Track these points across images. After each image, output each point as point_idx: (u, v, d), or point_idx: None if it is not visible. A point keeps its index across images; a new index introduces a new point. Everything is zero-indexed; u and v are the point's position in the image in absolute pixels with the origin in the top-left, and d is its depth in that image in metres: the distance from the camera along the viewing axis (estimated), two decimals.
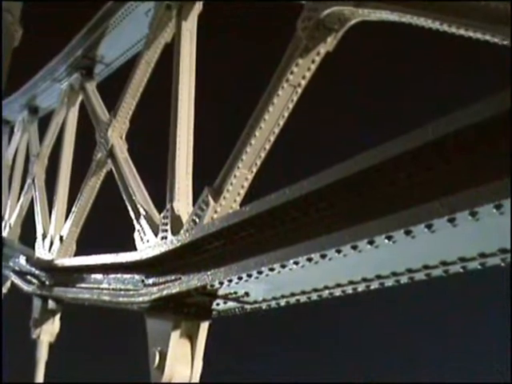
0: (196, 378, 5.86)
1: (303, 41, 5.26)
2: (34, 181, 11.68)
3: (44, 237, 10.07)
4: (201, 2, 7.79)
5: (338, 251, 3.95)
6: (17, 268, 10.59)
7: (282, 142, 5.68)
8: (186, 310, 5.76)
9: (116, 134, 8.51)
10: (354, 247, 3.83)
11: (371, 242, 3.71)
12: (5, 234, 12.57)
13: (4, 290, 12.42)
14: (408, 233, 3.48)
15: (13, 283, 11.53)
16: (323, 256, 4.09)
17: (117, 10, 9.58)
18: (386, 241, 3.62)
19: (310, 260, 4.20)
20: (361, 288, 4.58)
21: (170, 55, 7.76)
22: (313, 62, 5.29)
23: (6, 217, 13.06)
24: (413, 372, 16.85)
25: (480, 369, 16.04)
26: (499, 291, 11.33)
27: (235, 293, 5.41)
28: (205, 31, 7.82)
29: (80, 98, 10.77)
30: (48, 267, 9.21)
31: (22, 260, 10.21)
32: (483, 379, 14.99)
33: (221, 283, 5.18)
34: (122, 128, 8.55)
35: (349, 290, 4.66)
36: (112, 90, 10.74)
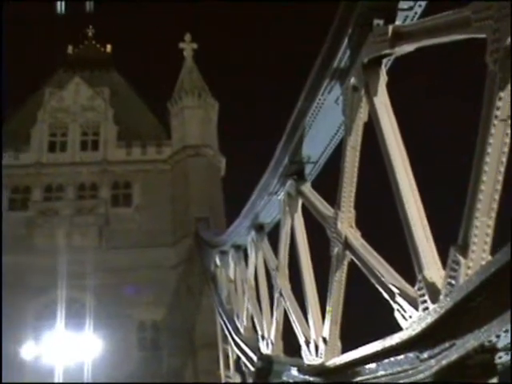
0: None
1: (498, 73, 5.52)
2: (281, 293, 12.62)
3: (307, 343, 10.76)
4: (384, 72, 8.34)
5: None
6: (291, 380, 11.30)
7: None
8: (469, 372, 5.88)
9: (346, 225, 9.11)
10: None
11: None
12: (269, 351, 13.54)
13: None
14: None
15: None
16: None
17: (308, 110, 10.50)
18: None
19: None
20: None
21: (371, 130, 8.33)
22: None
23: (266, 335, 14.11)
24: None
25: None
26: None
27: None
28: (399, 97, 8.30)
29: (300, 202, 11.67)
30: (321, 371, 9.75)
31: (294, 371, 10.90)
32: None
33: (497, 336, 5.28)
34: (349, 217, 9.15)
35: None
36: (324, 182, 11.55)
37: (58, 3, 42.04)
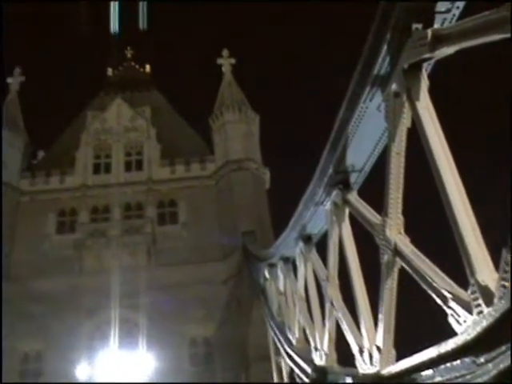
0: None
1: None
2: (332, 303, 12.64)
3: (361, 352, 10.75)
4: (425, 76, 8.36)
5: None
6: None
7: None
8: None
9: (394, 232, 9.10)
10: None
11: None
12: (322, 362, 13.55)
13: None
14: None
15: None
16: None
17: (350, 118, 10.55)
18: None
19: None
20: None
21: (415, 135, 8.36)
22: None
23: (319, 346, 14.12)
24: None
25: None
26: None
27: None
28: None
29: (347, 211, 11.71)
30: (376, 380, 9.74)
31: (349, 380, 10.91)
32: None
33: None
34: (397, 224, 9.14)
35: None
36: (370, 189, 11.56)
37: (112, 23, 43.09)
